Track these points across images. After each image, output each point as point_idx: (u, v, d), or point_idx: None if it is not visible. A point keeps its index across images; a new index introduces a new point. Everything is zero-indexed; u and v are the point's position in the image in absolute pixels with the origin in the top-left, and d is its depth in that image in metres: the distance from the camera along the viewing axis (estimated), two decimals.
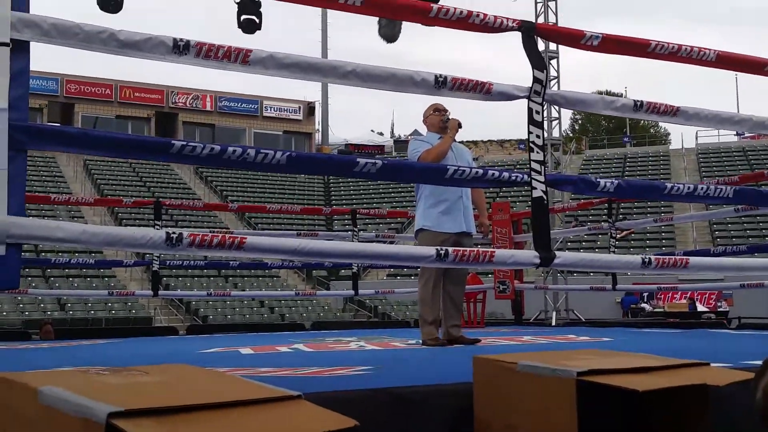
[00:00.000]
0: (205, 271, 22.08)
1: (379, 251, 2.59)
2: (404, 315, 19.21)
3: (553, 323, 8.98)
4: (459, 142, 4.96)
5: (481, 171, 2.82)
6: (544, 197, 2.80)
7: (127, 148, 2.37)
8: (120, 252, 22.51)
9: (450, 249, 2.64)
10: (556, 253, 2.81)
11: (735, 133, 33.76)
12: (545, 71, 2.91)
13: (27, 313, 18.37)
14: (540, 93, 2.87)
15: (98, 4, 10.64)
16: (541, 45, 10.62)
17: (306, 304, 21.37)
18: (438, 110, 4.87)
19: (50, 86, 34.52)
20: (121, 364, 1.72)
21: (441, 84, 2.78)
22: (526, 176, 2.80)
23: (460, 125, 4.77)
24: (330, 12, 40.29)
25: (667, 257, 3.02)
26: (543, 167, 2.81)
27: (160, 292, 7.99)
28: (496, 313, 12.81)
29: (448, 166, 2.86)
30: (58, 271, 20.40)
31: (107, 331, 8.88)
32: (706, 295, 19.72)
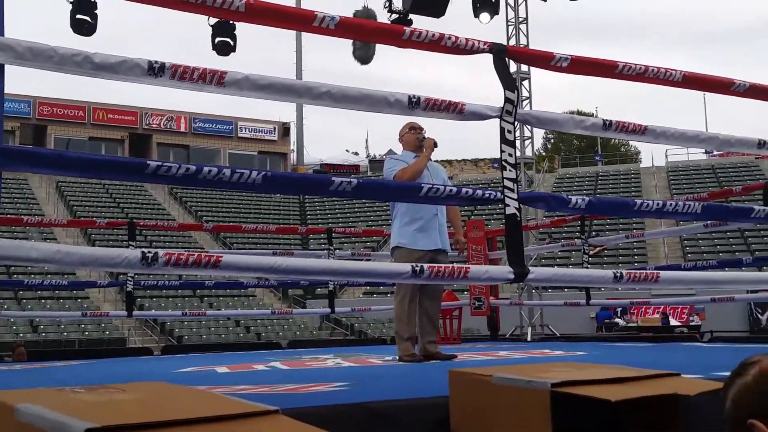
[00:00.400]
0: (179, 292, 21.88)
1: (356, 268, 2.61)
2: (381, 332, 19.17)
3: (529, 338, 9.03)
4: (433, 161, 5.00)
5: (455, 189, 2.85)
6: (517, 214, 2.84)
7: (102, 169, 2.37)
8: (93, 273, 22.30)
9: (425, 265, 2.67)
10: (530, 268, 2.85)
11: (704, 151, 34.28)
12: (516, 91, 2.97)
13: None
14: (511, 113, 2.92)
15: (71, 26, 10.63)
16: (513, 66, 10.77)
17: (282, 323, 21.23)
18: (414, 128, 4.90)
19: (22, 108, 34.27)
20: (96, 383, 1.71)
21: (414, 104, 2.82)
22: (499, 194, 2.85)
23: (435, 144, 4.80)
24: (304, 33, 40.43)
25: (638, 272, 3.07)
26: (516, 185, 2.86)
27: (134, 313, 7.91)
28: (471, 329, 12.86)
29: (422, 184, 2.89)
30: (30, 292, 20.12)
31: (81, 352, 8.75)
32: (679, 310, 19.93)
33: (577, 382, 1.66)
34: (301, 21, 2.77)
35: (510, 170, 2.86)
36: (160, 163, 2.36)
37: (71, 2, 10.55)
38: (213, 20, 11.50)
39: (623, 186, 33.14)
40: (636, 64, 3.22)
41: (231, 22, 11.62)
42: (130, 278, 7.58)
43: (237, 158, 37.58)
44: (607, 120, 3.16)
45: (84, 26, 10.53)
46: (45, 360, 6.96)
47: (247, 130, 39.57)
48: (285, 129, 40.84)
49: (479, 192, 2.87)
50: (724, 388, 1.38)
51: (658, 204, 3.18)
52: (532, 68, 12.21)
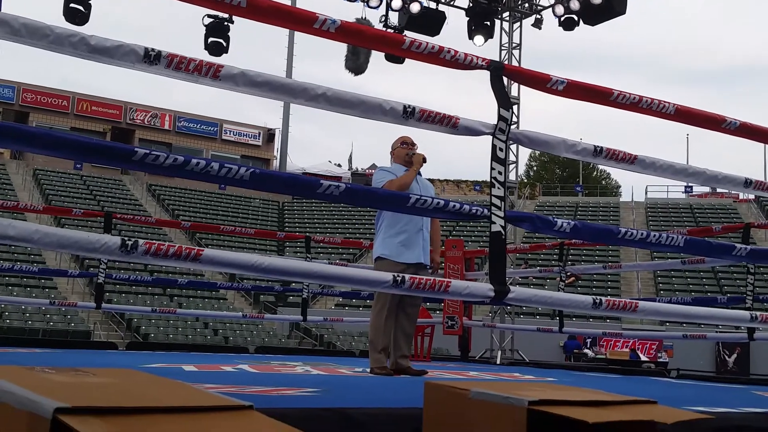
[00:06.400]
0: (149, 289, 21.65)
1: (337, 273, 2.58)
2: (350, 345, 19.06)
3: (498, 362, 9.02)
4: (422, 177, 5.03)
5: (442, 202, 2.85)
6: (503, 232, 2.83)
7: (88, 152, 2.33)
8: (63, 263, 21.99)
9: (407, 276, 2.64)
10: (511, 288, 2.83)
11: (683, 189, 34.73)
12: (510, 110, 2.97)
13: None
14: (504, 131, 2.92)
15: (64, 15, 10.57)
16: None
17: (251, 328, 21.06)
18: (405, 143, 4.96)
19: (6, 93, 34.05)
20: None
21: (409, 114, 2.81)
22: (485, 210, 2.84)
23: (425, 159, 4.83)
24: (296, 42, 40.45)
25: (617, 300, 3.08)
26: (503, 203, 2.85)
27: (103, 306, 7.79)
28: (441, 348, 12.81)
29: (410, 195, 2.88)
30: None
31: (44, 341, 8.60)
32: (647, 345, 20.05)
33: (555, 401, 1.64)
34: (302, 22, 2.75)
35: (498, 188, 2.85)
36: (147, 151, 2.32)
37: None
38: (207, 20, 11.52)
39: (602, 218, 33.39)
40: (630, 93, 3.23)
41: (226, 23, 11.61)
42: (102, 270, 7.47)
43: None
44: (597, 146, 3.16)
45: (77, 15, 10.47)
46: (7, 346, 6.84)
47: (232, 133, 39.42)
48: (270, 135, 40.74)
49: (466, 207, 2.86)
50: None
51: (641, 234, 3.19)
52: (521, 94, 12.34)
